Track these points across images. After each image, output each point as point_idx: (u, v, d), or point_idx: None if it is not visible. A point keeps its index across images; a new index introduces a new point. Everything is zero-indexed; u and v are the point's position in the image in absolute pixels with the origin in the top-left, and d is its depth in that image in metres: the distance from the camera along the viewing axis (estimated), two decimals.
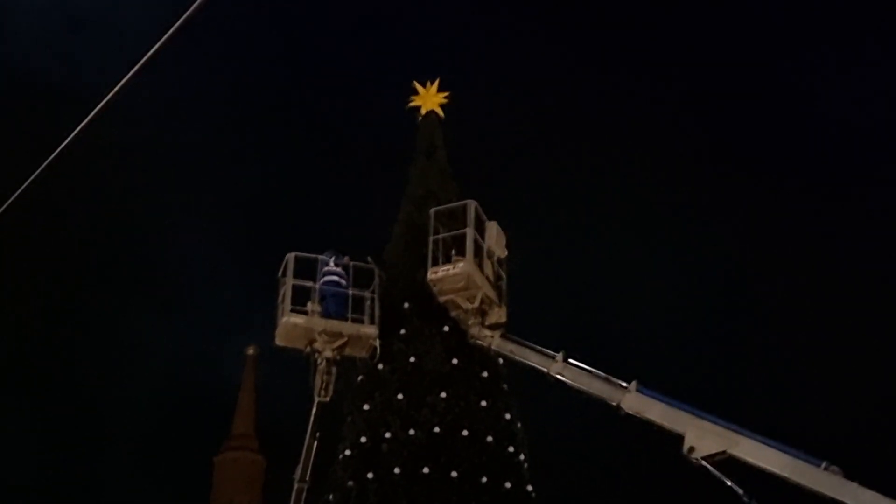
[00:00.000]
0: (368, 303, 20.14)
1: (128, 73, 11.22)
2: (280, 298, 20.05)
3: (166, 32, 10.93)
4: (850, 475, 16.07)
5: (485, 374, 20.11)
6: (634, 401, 17.94)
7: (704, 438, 17.08)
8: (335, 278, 20.18)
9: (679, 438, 17.27)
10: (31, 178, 12.09)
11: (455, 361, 19.91)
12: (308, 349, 19.97)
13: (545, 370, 18.85)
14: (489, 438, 19.45)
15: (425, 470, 18.83)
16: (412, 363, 19.94)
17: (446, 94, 22.88)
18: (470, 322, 19.62)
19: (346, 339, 19.90)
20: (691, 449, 17.10)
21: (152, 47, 11.10)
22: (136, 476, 63.95)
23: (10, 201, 12.62)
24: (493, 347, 19.60)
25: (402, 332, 20.25)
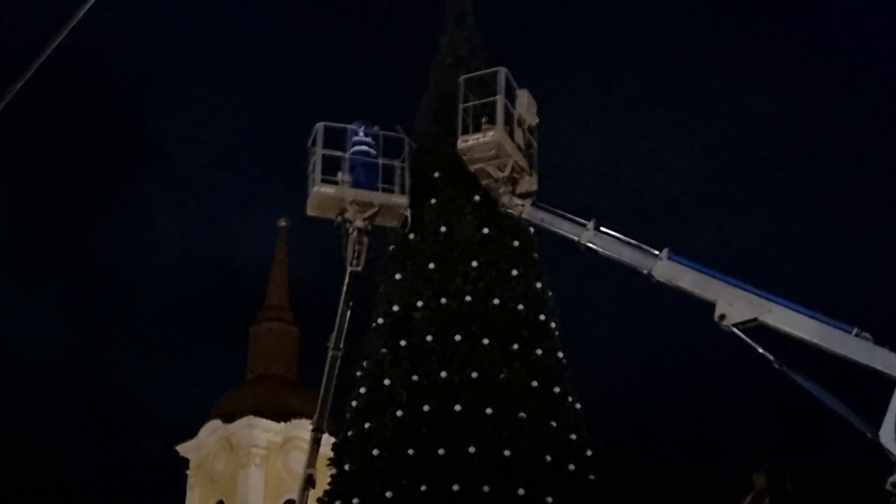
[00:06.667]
0: (399, 172, 20.09)
1: None
2: (310, 169, 20.03)
3: None
4: (880, 341, 16.08)
5: (516, 242, 20.08)
6: (666, 268, 17.91)
7: (736, 306, 17.08)
8: (365, 148, 20.11)
9: (710, 306, 17.29)
10: (47, 53, 11.90)
11: (486, 231, 19.88)
12: (339, 219, 20.03)
13: (576, 238, 18.82)
14: (520, 306, 19.50)
15: (457, 338, 18.95)
16: (443, 233, 19.92)
17: None
18: (501, 191, 19.54)
19: (376, 208, 19.90)
20: (722, 316, 17.12)
21: None
22: (175, 348, 65.08)
23: (25, 78, 12.44)
24: (523, 216, 19.55)
25: (433, 201, 20.20)
